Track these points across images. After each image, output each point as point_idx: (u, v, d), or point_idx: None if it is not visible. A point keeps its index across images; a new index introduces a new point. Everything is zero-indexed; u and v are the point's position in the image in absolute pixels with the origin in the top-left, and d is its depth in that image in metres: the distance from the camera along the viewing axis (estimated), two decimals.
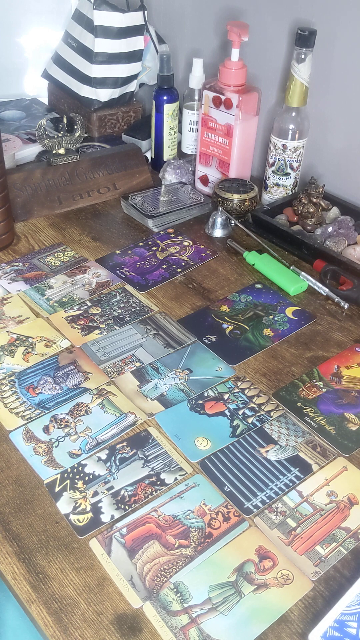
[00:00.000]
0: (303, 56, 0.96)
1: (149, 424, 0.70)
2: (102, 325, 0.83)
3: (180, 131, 1.19)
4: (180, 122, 1.18)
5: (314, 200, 0.98)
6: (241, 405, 0.72)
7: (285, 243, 0.99)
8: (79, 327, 0.83)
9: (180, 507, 0.61)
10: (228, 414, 0.71)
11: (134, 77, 1.27)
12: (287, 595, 0.55)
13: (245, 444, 0.68)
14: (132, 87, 1.28)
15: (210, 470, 0.65)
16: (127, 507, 0.61)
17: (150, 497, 0.62)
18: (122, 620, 0.53)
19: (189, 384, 0.75)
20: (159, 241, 1.01)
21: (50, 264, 0.95)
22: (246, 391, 0.74)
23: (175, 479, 0.64)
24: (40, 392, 0.73)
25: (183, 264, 0.96)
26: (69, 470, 0.64)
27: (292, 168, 1.05)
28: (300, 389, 0.75)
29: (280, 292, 0.91)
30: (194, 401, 0.73)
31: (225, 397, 0.73)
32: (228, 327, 0.84)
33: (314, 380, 0.76)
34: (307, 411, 0.72)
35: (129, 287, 0.90)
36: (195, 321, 0.85)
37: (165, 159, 1.19)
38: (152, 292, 0.90)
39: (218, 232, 1.03)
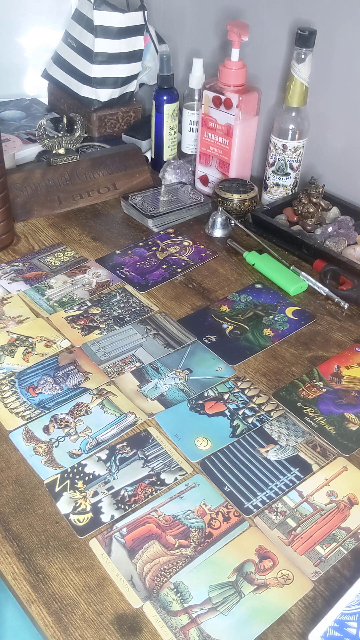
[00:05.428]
0: (303, 56, 0.96)
1: (149, 424, 0.70)
2: (102, 325, 0.83)
3: (180, 131, 1.19)
4: (180, 122, 1.18)
5: (314, 200, 0.98)
6: (241, 405, 0.72)
7: (285, 243, 0.99)
8: (79, 327, 0.83)
9: (180, 507, 0.61)
10: (228, 414, 0.71)
11: (134, 77, 1.27)
12: (287, 595, 0.55)
13: (245, 444, 0.68)
14: (132, 87, 1.28)
15: (210, 470, 0.65)
16: (127, 507, 0.61)
17: (150, 497, 0.62)
18: (122, 620, 0.53)
19: (189, 384, 0.75)
20: (159, 241, 1.01)
21: (50, 264, 0.95)
22: (246, 391, 0.74)
23: (175, 479, 0.64)
24: (40, 392, 0.73)
25: (183, 264, 0.96)
26: (69, 470, 0.64)
27: (292, 168, 1.05)
28: (300, 389, 0.75)
29: (280, 292, 0.91)
30: (194, 401, 0.73)
31: (225, 397, 0.73)
32: (228, 327, 0.84)
33: (314, 380, 0.76)
34: (307, 411, 0.72)
35: (129, 287, 0.90)
36: (195, 321, 0.85)
37: (165, 159, 1.19)
38: (152, 292, 0.90)
39: (218, 232, 1.03)
